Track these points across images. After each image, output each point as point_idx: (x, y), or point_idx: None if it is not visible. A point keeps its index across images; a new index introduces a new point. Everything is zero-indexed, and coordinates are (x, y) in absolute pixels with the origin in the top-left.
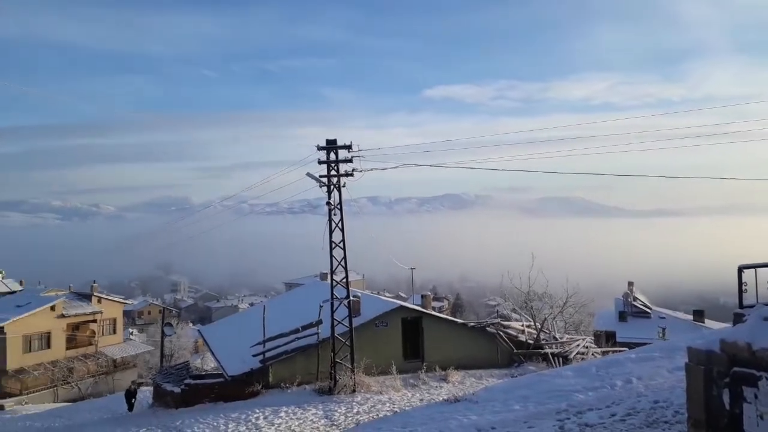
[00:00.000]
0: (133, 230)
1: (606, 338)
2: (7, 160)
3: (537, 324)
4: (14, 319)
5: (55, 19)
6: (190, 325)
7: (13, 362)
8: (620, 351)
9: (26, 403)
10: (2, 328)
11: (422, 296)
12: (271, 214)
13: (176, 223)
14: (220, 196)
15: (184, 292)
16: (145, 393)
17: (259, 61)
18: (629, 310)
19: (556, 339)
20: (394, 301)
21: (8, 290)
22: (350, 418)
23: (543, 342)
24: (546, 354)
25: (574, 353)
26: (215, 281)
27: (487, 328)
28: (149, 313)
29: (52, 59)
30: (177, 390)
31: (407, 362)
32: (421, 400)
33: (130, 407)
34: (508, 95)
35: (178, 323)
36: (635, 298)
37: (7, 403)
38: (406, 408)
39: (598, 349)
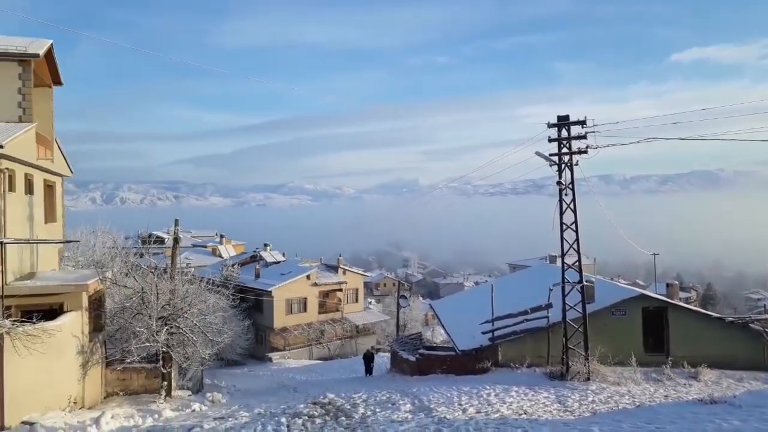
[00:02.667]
0: (369, 210)
1: None
2: (272, 149)
3: None
4: (279, 285)
5: (306, 24)
6: (420, 298)
7: (278, 322)
8: None
9: (288, 357)
10: (270, 292)
11: (667, 285)
12: (495, 195)
13: (407, 204)
14: (446, 178)
15: (414, 267)
16: (383, 358)
17: (488, 40)
18: None
19: None
20: (633, 288)
21: (274, 260)
22: (585, 406)
23: None
24: None
25: None
26: (442, 259)
27: (750, 325)
28: (384, 285)
29: (304, 60)
30: (412, 359)
31: (648, 355)
32: (666, 396)
33: (368, 370)
34: None
35: (410, 296)
36: None
37: (274, 356)
38: (649, 403)
39: None
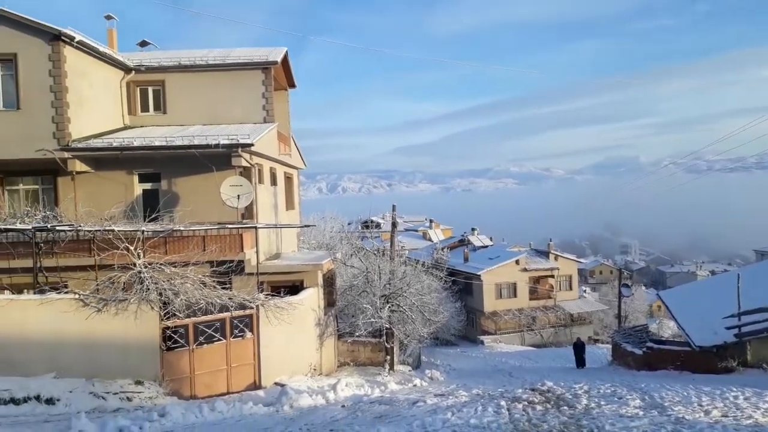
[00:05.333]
0: (581, 192)
1: None
2: (478, 134)
3: None
4: (488, 269)
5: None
6: (643, 288)
7: (488, 305)
8: None
9: (500, 342)
10: (479, 275)
11: None
12: (734, 171)
13: (625, 185)
14: (673, 154)
15: (635, 254)
16: (602, 350)
17: None
18: None
19: None
20: None
21: (482, 245)
22: None
23: None
24: None
25: None
26: (668, 245)
27: None
28: (600, 273)
29: (513, 39)
30: (638, 352)
31: None
32: None
33: (579, 361)
34: None
35: (632, 285)
36: None
37: (486, 339)
38: None
39: None
